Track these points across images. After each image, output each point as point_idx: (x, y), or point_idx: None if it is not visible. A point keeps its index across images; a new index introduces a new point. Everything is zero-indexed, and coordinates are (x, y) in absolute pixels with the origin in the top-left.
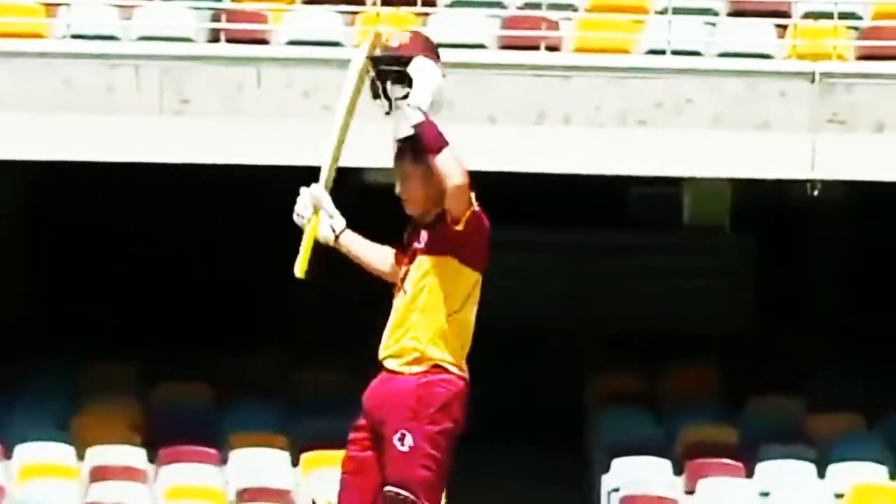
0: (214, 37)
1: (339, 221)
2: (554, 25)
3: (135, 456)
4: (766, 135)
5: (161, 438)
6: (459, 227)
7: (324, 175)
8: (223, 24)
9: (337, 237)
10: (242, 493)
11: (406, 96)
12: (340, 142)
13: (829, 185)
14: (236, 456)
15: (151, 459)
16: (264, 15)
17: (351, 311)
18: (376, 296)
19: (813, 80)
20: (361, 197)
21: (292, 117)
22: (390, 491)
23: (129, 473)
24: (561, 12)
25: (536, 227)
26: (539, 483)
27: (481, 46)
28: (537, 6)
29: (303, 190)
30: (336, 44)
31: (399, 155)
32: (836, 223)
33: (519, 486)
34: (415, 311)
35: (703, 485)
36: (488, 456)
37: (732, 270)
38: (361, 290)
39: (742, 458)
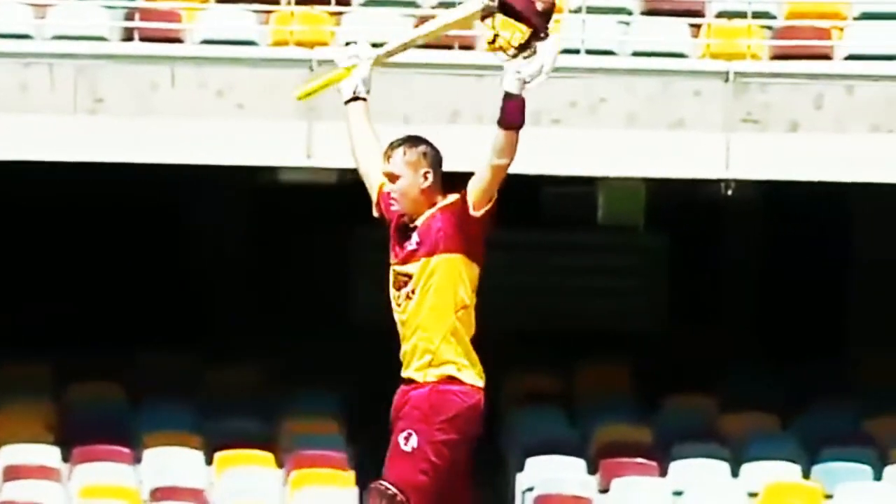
0: (128, 35)
1: (364, 92)
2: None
3: (49, 455)
4: (681, 134)
5: (75, 437)
6: (478, 213)
7: (387, 48)
8: (137, 23)
9: (351, 100)
10: (156, 493)
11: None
12: (414, 42)
13: (742, 185)
14: (150, 455)
15: (66, 458)
16: (178, 14)
17: (264, 311)
18: (289, 297)
19: (727, 80)
20: (254, 197)
21: (206, 116)
22: (382, 485)
23: (43, 472)
24: None
25: None
26: None
27: None
28: (451, 5)
29: (356, 45)
30: (250, 43)
31: (393, 149)
32: (749, 222)
33: None
34: (422, 312)
35: (617, 484)
36: None
37: (646, 269)
38: (275, 291)
39: (656, 458)
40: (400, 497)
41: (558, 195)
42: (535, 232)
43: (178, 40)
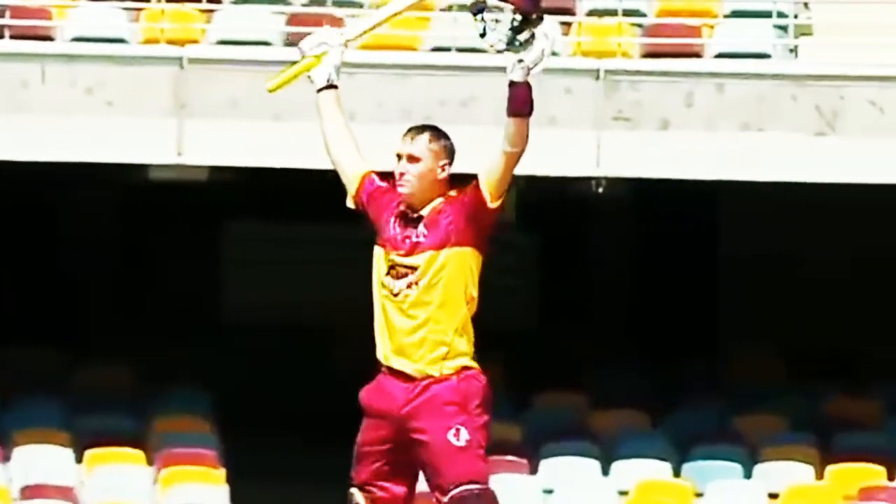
0: None
1: (335, 79)
2: (339, 22)
3: None
4: (552, 132)
5: None
6: (496, 204)
7: (354, 32)
8: (7, 20)
9: (324, 88)
10: (25, 491)
11: (517, 41)
12: (380, 24)
13: (613, 182)
14: (19, 453)
15: None
16: (48, 11)
17: (135, 309)
18: (160, 295)
19: (598, 78)
20: (125, 195)
21: (76, 114)
22: (464, 490)
23: None
24: (346, 9)
25: (325, 224)
26: (324, 483)
27: (266, 43)
28: (322, 3)
29: (321, 31)
30: (120, 40)
31: (418, 133)
32: (621, 220)
33: (302, 486)
34: (431, 306)
35: (490, 481)
36: (269, 456)
37: (517, 267)
38: (146, 289)
39: (526, 455)
40: (483, 488)
41: None
42: None
43: (48, 38)
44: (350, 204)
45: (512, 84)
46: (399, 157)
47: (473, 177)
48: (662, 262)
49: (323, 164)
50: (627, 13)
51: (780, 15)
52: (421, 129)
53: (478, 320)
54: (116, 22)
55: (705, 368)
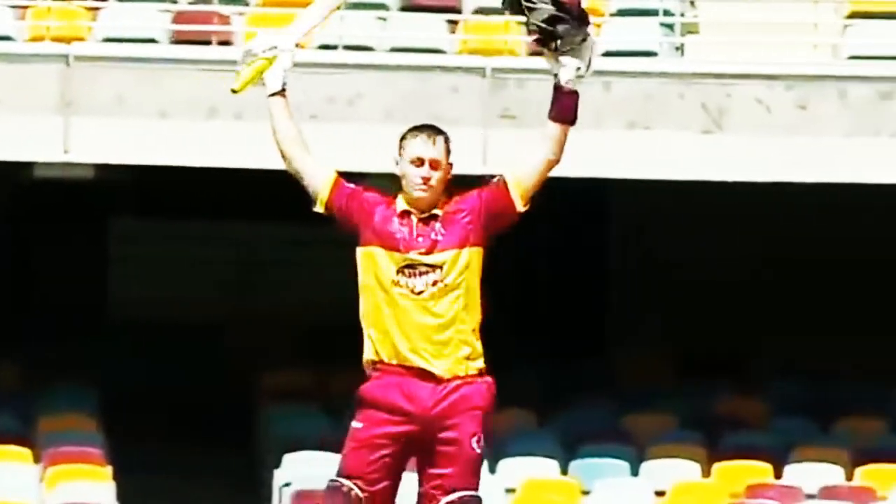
0: None
1: (284, 81)
2: (225, 20)
3: None
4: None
5: None
6: (523, 209)
7: (297, 34)
8: None
9: (279, 93)
10: None
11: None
12: (321, 21)
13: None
14: None
15: None
16: None
17: (21, 307)
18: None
19: (484, 76)
20: (11, 192)
21: None
22: (465, 496)
23: None
24: (232, 7)
25: (215, 222)
26: (212, 479)
27: (152, 41)
28: (209, 1)
29: (266, 33)
30: (6, 38)
31: (436, 134)
32: None
33: (191, 483)
34: (457, 304)
35: None
36: (160, 453)
37: None
38: (31, 286)
39: None
40: (479, 497)
41: None
42: (296, 227)
43: None
44: (319, 209)
45: (561, 90)
46: (420, 161)
47: (360, 174)
48: (551, 263)
49: (208, 161)
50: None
51: (667, 13)
52: (434, 130)
53: (353, 319)
54: (2, 19)
55: (595, 369)
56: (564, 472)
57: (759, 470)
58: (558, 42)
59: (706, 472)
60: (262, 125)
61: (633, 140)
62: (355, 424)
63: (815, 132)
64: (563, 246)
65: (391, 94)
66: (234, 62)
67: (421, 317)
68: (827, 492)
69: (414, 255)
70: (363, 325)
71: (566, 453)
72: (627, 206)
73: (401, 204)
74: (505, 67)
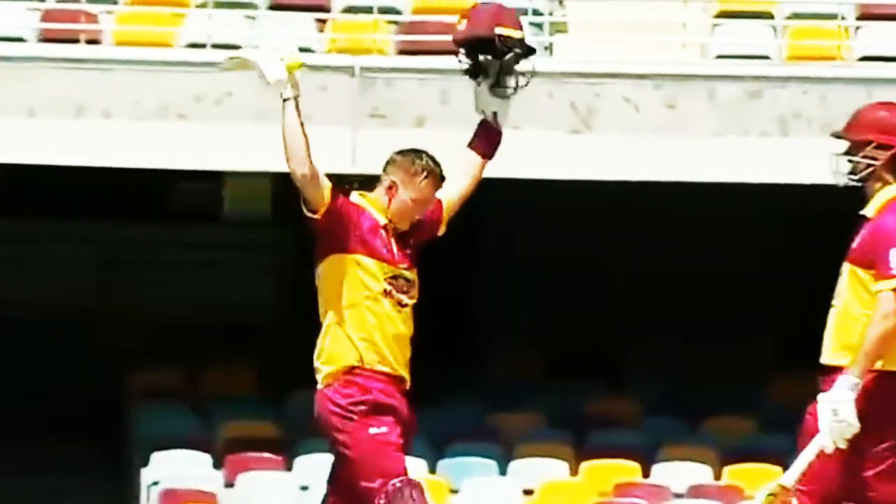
0: None
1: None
2: (93, 18)
3: None
4: (308, 129)
5: None
6: (444, 229)
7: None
8: None
9: (291, 99)
10: None
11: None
12: None
13: (368, 180)
14: None
15: None
16: None
17: None
18: None
19: (353, 75)
20: None
21: None
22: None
23: None
24: (101, 6)
25: (78, 221)
26: (78, 477)
27: (20, 39)
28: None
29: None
30: None
31: (439, 183)
32: None
33: (57, 480)
34: (411, 320)
35: (242, 478)
36: (28, 453)
37: (274, 264)
38: None
39: (281, 452)
40: None
41: (187, 190)
42: (163, 227)
43: None
44: (314, 213)
45: (491, 128)
46: (430, 201)
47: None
48: (419, 261)
49: (76, 161)
50: (383, 10)
51: (536, 12)
52: (441, 170)
53: (231, 318)
54: None
55: (464, 368)
56: (433, 471)
57: (627, 469)
58: (506, 79)
59: (574, 471)
60: (130, 123)
61: (504, 139)
62: (377, 430)
63: (683, 131)
64: (431, 245)
65: (260, 93)
66: (100, 61)
67: (402, 328)
68: (695, 491)
69: (403, 270)
70: (340, 330)
71: (434, 452)
72: (497, 205)
73: (380, 217)
74: (374, 66)
